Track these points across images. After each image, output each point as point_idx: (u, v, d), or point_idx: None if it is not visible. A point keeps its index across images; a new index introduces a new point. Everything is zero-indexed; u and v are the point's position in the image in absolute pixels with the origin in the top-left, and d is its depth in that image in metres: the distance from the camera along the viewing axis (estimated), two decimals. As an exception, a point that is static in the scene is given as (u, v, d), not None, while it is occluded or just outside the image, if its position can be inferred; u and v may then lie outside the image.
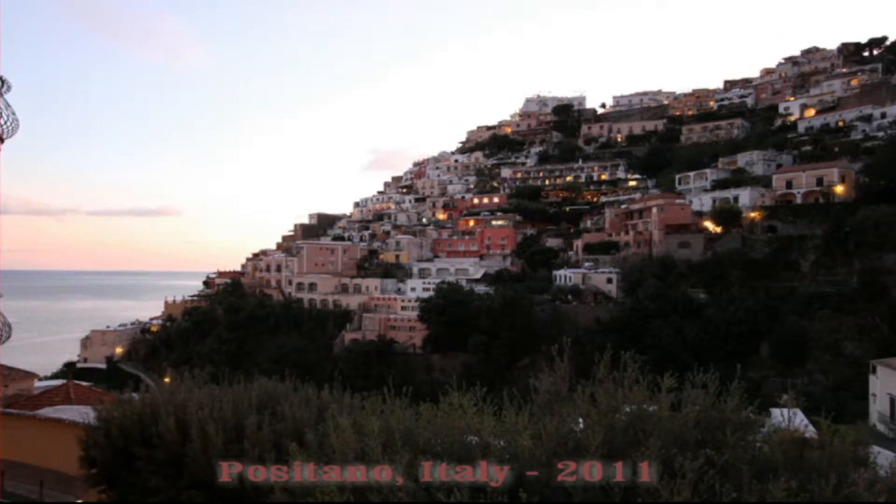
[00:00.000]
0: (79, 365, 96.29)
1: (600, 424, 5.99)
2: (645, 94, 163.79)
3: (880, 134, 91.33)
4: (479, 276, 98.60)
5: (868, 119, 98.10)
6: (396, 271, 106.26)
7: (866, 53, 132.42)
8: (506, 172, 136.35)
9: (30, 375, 22.87)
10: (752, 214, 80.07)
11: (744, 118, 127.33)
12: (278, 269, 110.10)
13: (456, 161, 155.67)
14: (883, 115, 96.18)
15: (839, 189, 77.63)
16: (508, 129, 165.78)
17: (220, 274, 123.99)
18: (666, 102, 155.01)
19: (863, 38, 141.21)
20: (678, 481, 5.12)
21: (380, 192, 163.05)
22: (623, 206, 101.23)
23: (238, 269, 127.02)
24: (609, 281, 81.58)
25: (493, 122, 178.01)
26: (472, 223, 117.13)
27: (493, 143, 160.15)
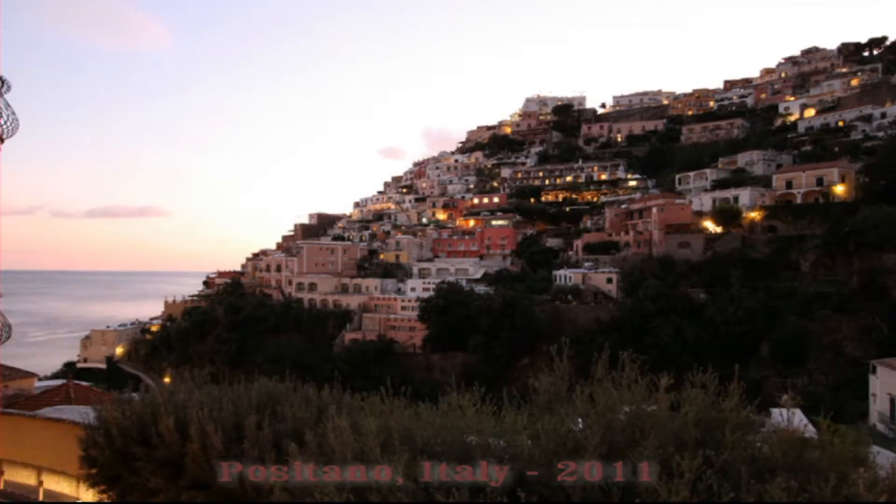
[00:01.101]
0: (79, 365, 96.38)
1: (599, 424, 5.98)
2: (645, 94, 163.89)
3: (880, 134, 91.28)
4: (479, 276, 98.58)
5: (868, 119, 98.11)
6: (396, 271, 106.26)
7: (866, 53, 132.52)
8: (506, 172, 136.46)
9: (30, 375, 22.83)
10: (752, 214, 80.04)
11: (744, 118, 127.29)
12: (278, 269, 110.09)
13: (456, 161, 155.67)
14: (883, 115, 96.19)
15: (839, 189, 77.59)
16: (508, 129, 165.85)
17: (220, 274, 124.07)
18: (666, 102, 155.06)
19: (863, 38, 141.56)
20: (676, 481, 5.12)
21: (380, 192, 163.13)
22: (623, 206, 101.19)
23: (238, 269, 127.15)
24: (609, 281, 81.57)
25: (492, 121, 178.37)
26: (472, 223, 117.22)
27: (493, 143, 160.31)
